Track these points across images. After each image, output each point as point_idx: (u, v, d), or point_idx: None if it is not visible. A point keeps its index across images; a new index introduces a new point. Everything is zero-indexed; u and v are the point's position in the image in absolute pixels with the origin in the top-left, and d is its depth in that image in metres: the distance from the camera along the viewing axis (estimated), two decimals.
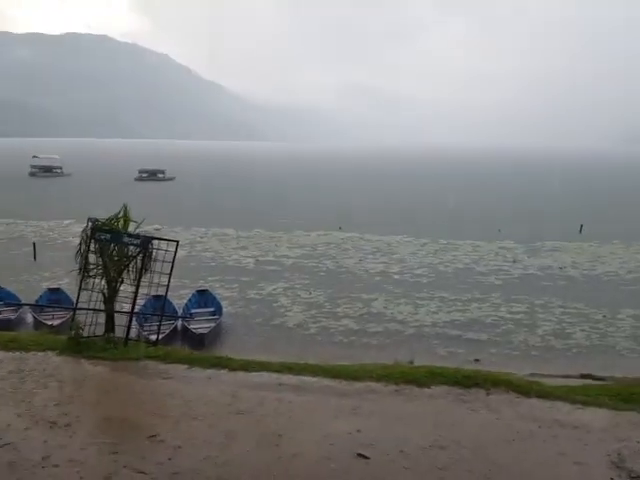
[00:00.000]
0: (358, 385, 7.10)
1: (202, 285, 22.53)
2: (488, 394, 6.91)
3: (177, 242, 9.66)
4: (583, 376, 13.83)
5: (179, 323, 18.00)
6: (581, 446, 5.78)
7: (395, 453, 5.49)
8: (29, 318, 18.30)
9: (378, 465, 5.30)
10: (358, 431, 5.88)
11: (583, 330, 19.50)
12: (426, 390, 6.98)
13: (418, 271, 27.84)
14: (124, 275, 9.35)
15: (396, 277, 26.67)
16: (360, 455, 5.40)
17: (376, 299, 22.70)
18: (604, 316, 20.89)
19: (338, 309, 21.36)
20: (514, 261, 30.36)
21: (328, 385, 7.11)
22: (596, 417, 6.47)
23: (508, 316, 20.85)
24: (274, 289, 24.02)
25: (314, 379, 7.24)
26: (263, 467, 5.25)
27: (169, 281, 9.46)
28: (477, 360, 16.46)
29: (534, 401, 6.82)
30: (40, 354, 8.08)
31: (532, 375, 12.68)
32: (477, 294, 23.67)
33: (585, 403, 6.84)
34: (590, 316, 20.93)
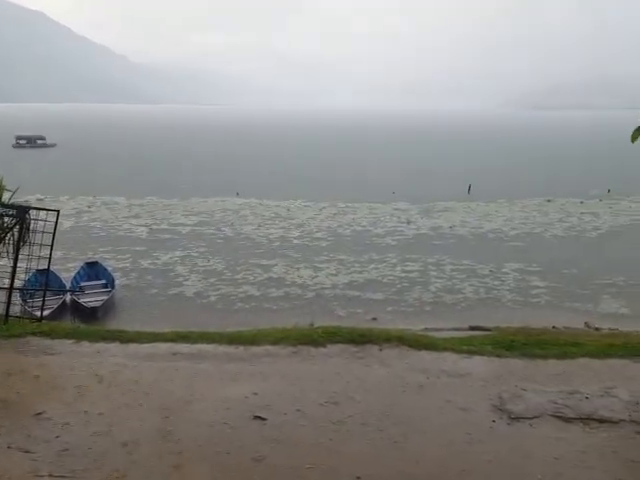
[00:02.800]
0: (255, 349, 7.10)
1: (91, 257, 21.38)
2: (381, 350, 7.17)
3: (57, 211, 9.10)
4: (471, 328, 14.73)
5: (68, 298, 17.02)
6: (466, 392, 6.18)
7: (292, 412, 5.57)
8: None
9: (275, 425, 5.35)
10: (255, 394, 5.90)
11: (472, 285, 20.80)
12: (322, 349, 7.11)
13: (317, 235, 28.22)
14: (0, 248, 8.71)
15: (296, 242, 26.86)
16: (257, 417, 5.43)
17: (276, 264, 22.77)
18: (490, 271, 22.42)
19: (238, 276, 21.19)
20: (408, 222, 31.63)
21: (225, 352, 7.04)
22: (480, 365, 6.93)
23: (403, 275, 21.77)
24: (170, 258, 23.32)
25: (210, 346, 7.14)
26: (157, 438, 5.13)
27: (51, 253, 8.94)
28: (374, 319, 17.08)
29: (423, 353, 7.18)
30: None
31: (425, 330, 13.40)
32: (374, 255, 24.46)
33: (470, 352, 7.30)
34: (478, 271, 22.36)
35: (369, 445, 5.11)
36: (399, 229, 29.97)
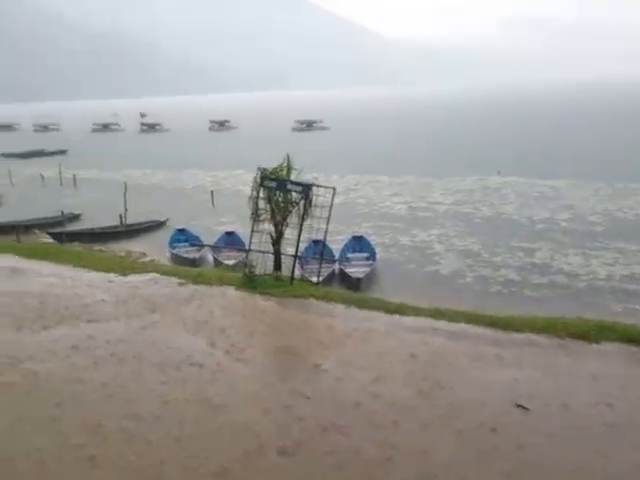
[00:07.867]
0: (516, 336, 6.88)
1: (357, 231, 23.00)
2: None
3: (334, 189, 10.10)
4: None
5: (336, 267, 18.68)
6: None
7: (557, 407, 5.27)
8: (209, 257, 20.42)
9: (539, 417, 5.14)
10: (516, 381, 5.73)
11: None
12: (594, 346, 6.53)
13: (591, 218, 25.34)
14: (288, 220, 10.11)
15: (564, 225, 24.61)
16: (519, 406, 5.28)
17: (540, 248, 21.17)
18: None
19: (496, 258, 20.39)
20: None
21: (483, 333, 7.00)
22: None
23: None
24: (427, 236, 23.64)
25: (468, 326, 7.17)
26: (417, 406, 5.40)
27: (327, 226, 9.95)
28: None
29: None
30: (221, 288, 9.17)
31: None
32: None
33: None
34: None
35: None
36: None
